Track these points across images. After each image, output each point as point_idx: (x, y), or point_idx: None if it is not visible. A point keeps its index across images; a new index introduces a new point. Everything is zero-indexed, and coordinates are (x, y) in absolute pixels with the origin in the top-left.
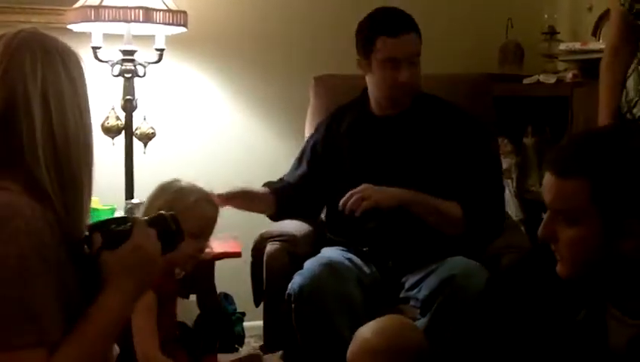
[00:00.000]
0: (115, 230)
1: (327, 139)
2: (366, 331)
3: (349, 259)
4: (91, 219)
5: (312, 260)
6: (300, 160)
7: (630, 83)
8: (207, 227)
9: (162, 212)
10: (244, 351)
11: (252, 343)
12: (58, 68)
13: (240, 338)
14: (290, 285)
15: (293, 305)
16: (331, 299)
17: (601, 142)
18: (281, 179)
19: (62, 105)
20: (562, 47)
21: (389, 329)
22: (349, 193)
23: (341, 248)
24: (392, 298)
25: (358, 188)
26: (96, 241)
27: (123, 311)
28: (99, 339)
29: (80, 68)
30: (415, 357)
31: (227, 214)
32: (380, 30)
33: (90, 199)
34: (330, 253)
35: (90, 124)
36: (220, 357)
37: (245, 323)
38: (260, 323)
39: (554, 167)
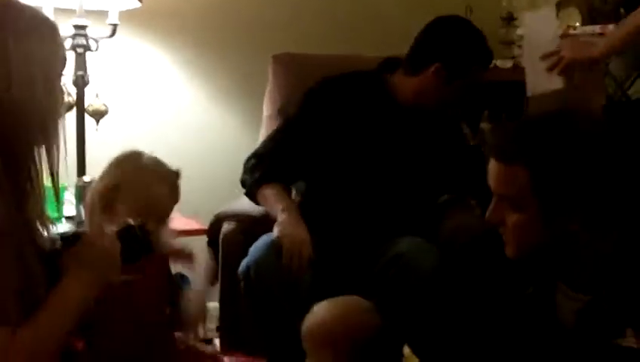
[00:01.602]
0: (71, 233)
1: (324, 111)
2: (323, 310)
3: None
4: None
5: (261, 239)
6: (287, 128)
7: (613, 66)
8: (159, 211)
9: (130, 221)
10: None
11: (208, 324)
12: (44, 33)
13: None
14: (241, 264)
15: (241, 284)
16: (277, 278)
17: (540, 129)
18: (271, 160)
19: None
20: (519, 32)
21: (346, 309)
22: None
23: None
24: (342, 277)
25: None
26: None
27: (80, 300)
28: (57, 323)
29: (62, 42)
30: (371, 337)
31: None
32: (480, 61)
33: (43, 177)
34: None
35: (57, 98)
36: None
37: None
38: (217, 304)
39: (496, 153)
